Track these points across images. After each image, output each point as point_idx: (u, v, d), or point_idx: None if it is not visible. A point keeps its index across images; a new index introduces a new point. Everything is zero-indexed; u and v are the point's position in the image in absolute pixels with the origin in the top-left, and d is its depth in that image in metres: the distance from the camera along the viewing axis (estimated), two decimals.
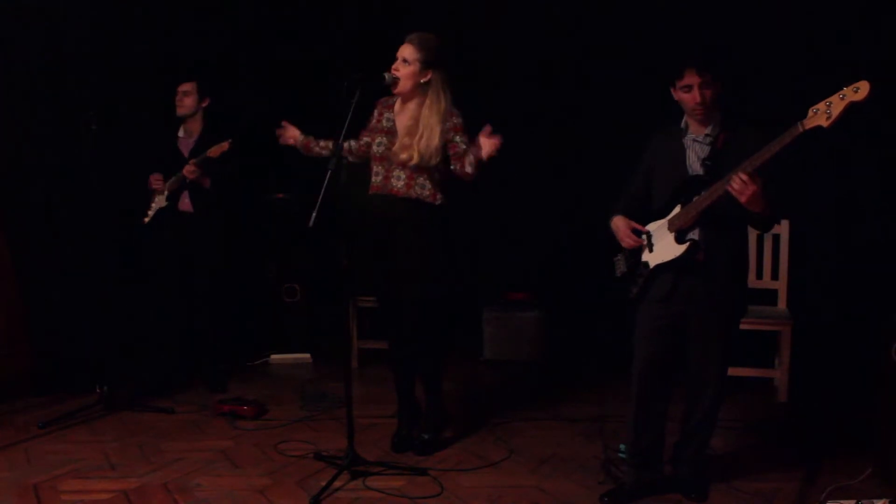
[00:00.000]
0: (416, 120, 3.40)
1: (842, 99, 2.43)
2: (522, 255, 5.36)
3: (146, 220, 4.45)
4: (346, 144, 3.49)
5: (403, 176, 3.42)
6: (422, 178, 3.42)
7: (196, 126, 4.42)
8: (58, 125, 4.53)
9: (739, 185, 2.62)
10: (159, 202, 4.41)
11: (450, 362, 3.79)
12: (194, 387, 4.55)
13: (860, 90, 2.40)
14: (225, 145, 4.17)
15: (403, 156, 3.38)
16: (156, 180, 4.40)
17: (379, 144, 3.50)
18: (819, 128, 2.48)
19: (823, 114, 2.46)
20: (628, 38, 4.90)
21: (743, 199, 2.65)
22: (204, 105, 4.40)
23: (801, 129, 2.52)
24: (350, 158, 3.60)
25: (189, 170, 4.24)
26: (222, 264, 4.51)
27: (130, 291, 4.73)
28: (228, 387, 4.54)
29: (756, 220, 2.79)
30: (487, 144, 3.21)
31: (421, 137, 3.36)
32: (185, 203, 4.42)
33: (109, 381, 4.16)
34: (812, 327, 4.40)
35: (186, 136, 4.45)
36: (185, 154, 4.39)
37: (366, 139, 3.59)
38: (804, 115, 2.51)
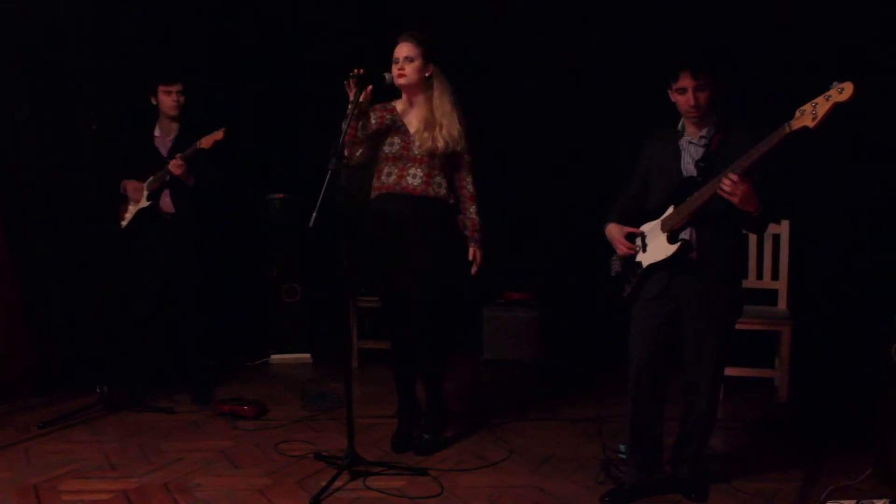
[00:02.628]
0: (431, 111, 3.44)
1: (827, 100, 2.45)
2: (522, 254, 5.37)
3: (123, 224, 4.30)
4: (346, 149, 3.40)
5: (420, 174, 3.43)
6: (439, 177, 3.45)
7: (174, 125, 4.31)
8: (58, 125, 4.53)
9: (730, 186, 2.64)
10: (139, 204, 4.27)
11: (450, 362, 3.79)
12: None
13: (845, 91, 2.42)
14: (219, 134, 4.02)
15: (429, 145, 3.40)
16: (134, 190, 4.25)
17: (391, 145, 3.49)
18: (806, 129, 2.49)
19: (809, 115, 2.48)
20: (627, 38, 4.89)
21: (735, 200, 2.67)
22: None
23: (788, 130, 2.54)
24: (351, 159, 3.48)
25: (175, 164, 4.08)
26: (204, 268, 4.37)
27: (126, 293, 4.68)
28: (213, 395, 4.41)
29: (749, 220, 2.79)
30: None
31: (441, 127, 3.41)
32: (167, 203, 4.29)
33: (109, 381, 4.16)
34: (812, 327, 4.40)
35: (163, 135, 4.33)
36: (164, 153, 4.27)
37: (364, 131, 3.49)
38: (791, 118, 2.53)
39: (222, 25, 5.40)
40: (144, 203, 4.28)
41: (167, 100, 4.24)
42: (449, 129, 3.42)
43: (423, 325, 3.53)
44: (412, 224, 3.43)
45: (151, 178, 4.24)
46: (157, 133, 4.35)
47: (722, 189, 2.67)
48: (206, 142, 4.06)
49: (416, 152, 3.43)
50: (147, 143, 4.32)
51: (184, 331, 4.40)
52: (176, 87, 4.24)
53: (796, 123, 2.52)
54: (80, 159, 4.36)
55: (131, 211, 4.30)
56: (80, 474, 3.36)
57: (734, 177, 2.63)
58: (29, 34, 4.46)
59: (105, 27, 4.73)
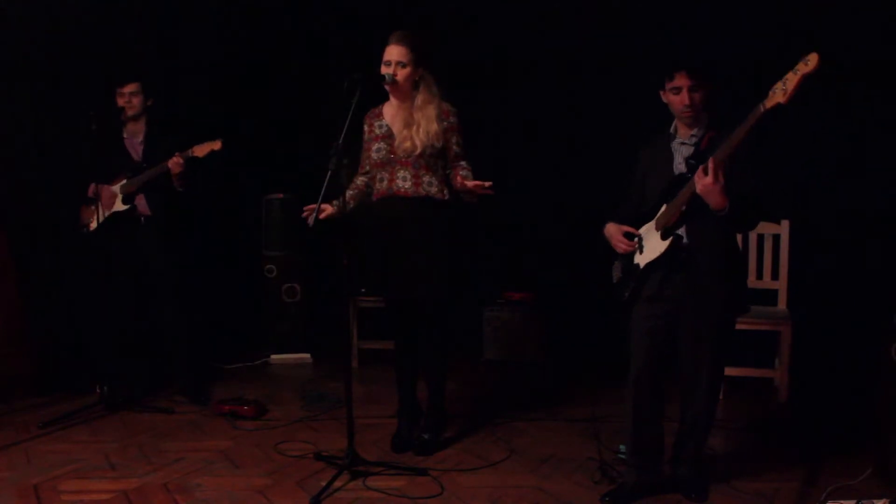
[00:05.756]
0: (411, 112, 3.45)
1: (795, 73, 2.45)
2: (522, 255, 5.36)
3: (92, 226, 4.25)
4: (345, 194, 3.41)
5: (409, 176, 3.44)
6: (427, 176, 3.45)
7: (140, 127, 4.29)
8: (58, 125, 4.52)
9: (699, 174, 2.66)
10: (114, 207, 4.23)
11: (450, 362, 3.79)
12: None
13: (810, 62, 2.41)
14: (217, 144, 3.98)
15: (407, 144, 3.41)
16: (109, 196, 4.21)
17: (378, 150, 3.52)
18: (779, 105, 2.49)
19: (780, 91, 2.48)
20: (628, 38, 4.89)
21: (698, 189, 2.68)
22: (149, 104, 4.27)
23: (762, 110, 2.54)
24: (352, 204, 3.55)
25: (176, 162, 4.01)
26: (182, 268, 4.33)
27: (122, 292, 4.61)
28: (211, 394, 4.42)
29: (718, 217, 2.76)
30: (472, 186, 3.32)
31: (419, 127, 3.40)
32: (143, 205, 4.26)
33: (109, 381, 4.16)
34: (812, 327, 4.40)
35: (131, 137, 4.31)
36: (135, 156, 4.26)
37: (361, 178, 3.63)
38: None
39: (222, 25, 5.39)
40: (121, 206, 4.24)
41: (119, 101, 4.23)
42: (426, 129, 3.40)
43: (429, 325, 3.55)
44: (410, 226, 3.45)
45: (125, 182, 4.22)
46: (125, 135, 4.32)
47: (696, 175, 2.68)
48: (200, 150, 4.00)
49: (400, 154, 3.44)
50: (118, 145, 4.29)
51: (167, 332, 4.38)
52: (128, 89, 4.21)
53: (770, 102, 2.52)
54: (80, 159, 4.36)
55: (101, 214, 4.20)
56: (80, 474, 3.36)
57: (711, 164, 2.63)
58: (29, 34, 4.45)
59: (106, 27, 4.72)
